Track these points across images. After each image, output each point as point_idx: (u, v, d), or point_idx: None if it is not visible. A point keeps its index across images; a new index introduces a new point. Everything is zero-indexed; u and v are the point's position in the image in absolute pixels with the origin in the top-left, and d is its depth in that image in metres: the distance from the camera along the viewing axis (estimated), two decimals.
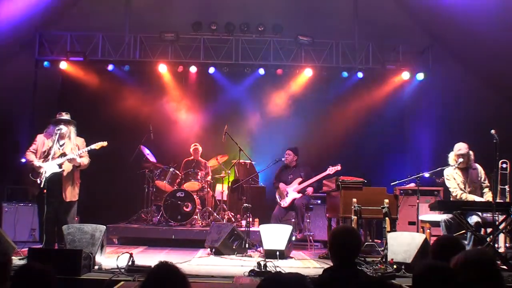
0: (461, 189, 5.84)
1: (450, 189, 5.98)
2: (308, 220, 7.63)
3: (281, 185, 7.75)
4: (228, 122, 8.88)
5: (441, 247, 3.07)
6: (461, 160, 5.83)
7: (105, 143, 6.01)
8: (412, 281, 2.34)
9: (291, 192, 7.63)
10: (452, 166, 5.91)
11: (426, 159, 9.02)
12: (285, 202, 7.63)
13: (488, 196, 5.84)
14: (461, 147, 5.88)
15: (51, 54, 9.53)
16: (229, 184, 8.76)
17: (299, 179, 7.65)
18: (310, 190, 7.63)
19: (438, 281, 2.21)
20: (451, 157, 5.96)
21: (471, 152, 5.93)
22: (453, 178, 5.92)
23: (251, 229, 7.02)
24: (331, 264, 2.95)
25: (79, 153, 5.79)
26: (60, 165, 5.70)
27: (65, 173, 5.74)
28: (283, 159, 7.83)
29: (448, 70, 9.68)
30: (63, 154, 5.76)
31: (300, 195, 7.57)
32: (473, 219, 5.51)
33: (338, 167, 7.34)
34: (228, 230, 6.56)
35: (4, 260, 2.49)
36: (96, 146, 5.95)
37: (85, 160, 5.90)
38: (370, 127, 9.67)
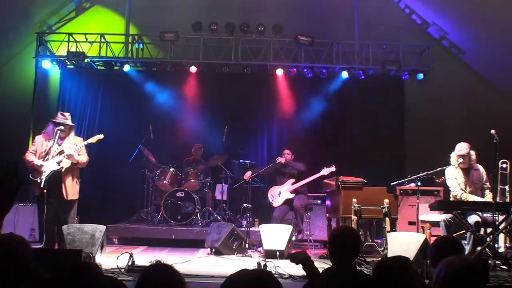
0: (461, 189, 5.84)
1: (450, 188, 5.97)
2: (308, 220, 7.62)
3: (272, 188, 7.79)
4: (228, 122, 8.89)
5: (439, 247, 3.07)
6: (461, 160, 5.83)
7: (101, 136, 6.01)
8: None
9: (283, 192, 7.62)
10: (453, 165, 5.91)
11: (426, 159, 9.02)
12: (277, 202, 7.63)
13: (488, 197, 5.84)
14: (461, 148, 5.87)
15: (51, 54, 9.52)
16: (229, 184, 8.77)
17: (293, 179, 7.64)
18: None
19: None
20: (453, 157, 5.96)
21: (472, 152, 5.91)
22: (454, 178, 5.92)
23: (251, 229, 7.03)
24: (331, 264, 2.95)
25: (77, 149, 5.79)
26: (58, 163, 5.70)
27: (64, 171, 5.73)
28: (281, 159, 7.80)
29: (448, 70, 9.69)
30: (61, 152, 5.76)
31: (293, 195, 7.56)
32: (473, 218, 5.51)
33: (333, 169, 7.33)
34: (228, 230, 6.57)
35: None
36: (93, 139, 5.96)
37: (83, 158, 5.90)
38: (370, 127, 9.67)
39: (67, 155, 5.70)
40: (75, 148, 5.78)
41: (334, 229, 3.42)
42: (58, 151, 5.76)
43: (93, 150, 6.07)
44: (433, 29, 10.03)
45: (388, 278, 2.33)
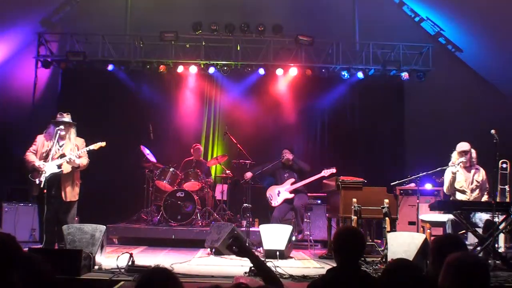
0: (458, 190, 5.91)
1: (444, 187, 6.04)
2: (308, 220, 7.62)
3: (271, 188, 7.77)
4: (228, 122, 8.89)
5: (440, 245, 3.06)
6: (462, 159, 5.86)
7: (103, 144, 6.01)
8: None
9: (283, 192, 7.62)
10: (455, 165, 5.92)
11: (426, 159, 9.03)
12: (276, 202, 7.62)
13: (483, 198, 5.92)
14: (464, 146, 5.91)
15: (51, 54, 9.52)
16: (229, 184, 8.76)
17: (292, 179, 7.63)
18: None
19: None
20: (454, 155, 5.98)
21: (473, 151, 5.96)
22: (449, 179, 5.96)
23: (251, 229, 7.02)
24: (331, 264, 2.96)
25: (78, 154, 5.79)
26: (59, 166, 5.70)
27: (64, 173, 5.74)
28: (290, 155, 7.77)
29: (448, 70, 9.69)
30: (62, 155, 5.76)
31: (292, 195, 7.55)
32: (483, 216, 5.57)
33: (333, 170, 7.32)
34: (228, 230, 6.56)
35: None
36: (94, 146, 5.96)
37: (84, 161, 5.90)
38: (370, 127, 9.67)
39: (67, 159, 5.70)
40: (77, 153, 5.78)
41: (339, 229, 3.41)
42: (59, 154, 5.76)
43: (92, 150, 6.04)
44: (433, 29, 10.03)
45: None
